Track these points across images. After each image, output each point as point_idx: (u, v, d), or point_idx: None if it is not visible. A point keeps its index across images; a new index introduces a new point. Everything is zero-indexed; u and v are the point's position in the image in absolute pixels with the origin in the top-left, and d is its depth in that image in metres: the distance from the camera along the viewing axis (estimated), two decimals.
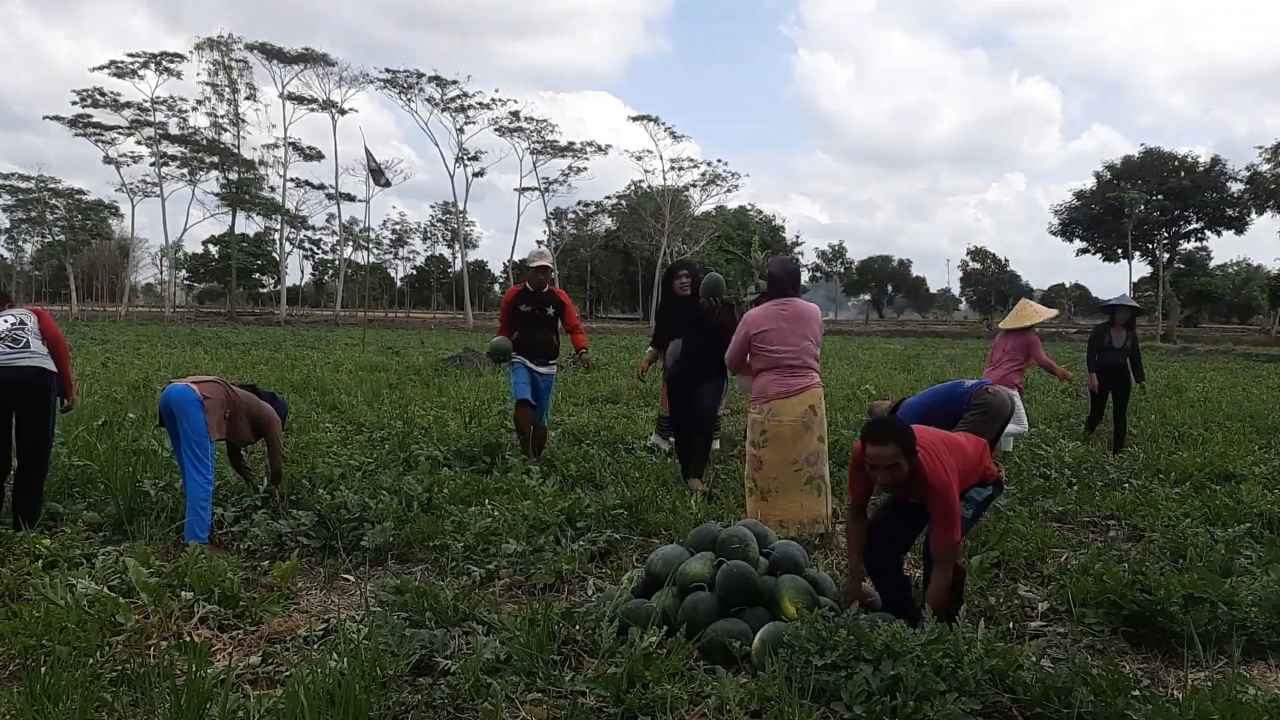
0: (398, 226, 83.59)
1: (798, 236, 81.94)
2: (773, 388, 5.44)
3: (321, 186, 64.25)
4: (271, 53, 56.51)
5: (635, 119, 59.35)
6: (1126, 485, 6.85)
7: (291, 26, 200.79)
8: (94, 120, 56.12)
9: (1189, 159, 54.31)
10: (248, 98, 58.30)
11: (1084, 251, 57.98)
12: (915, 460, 3.60)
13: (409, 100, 57.50)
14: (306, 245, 75.44)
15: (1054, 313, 9.14)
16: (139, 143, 58.18)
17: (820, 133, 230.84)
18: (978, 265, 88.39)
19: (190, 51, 57.24)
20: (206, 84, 57.28)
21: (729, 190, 62.25)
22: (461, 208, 66.14)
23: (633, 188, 65.03)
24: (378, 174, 29.33)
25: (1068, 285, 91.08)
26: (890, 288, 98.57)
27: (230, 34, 57.18)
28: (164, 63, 55.59)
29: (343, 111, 58.70)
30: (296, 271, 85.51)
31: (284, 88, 57.76)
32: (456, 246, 72.49)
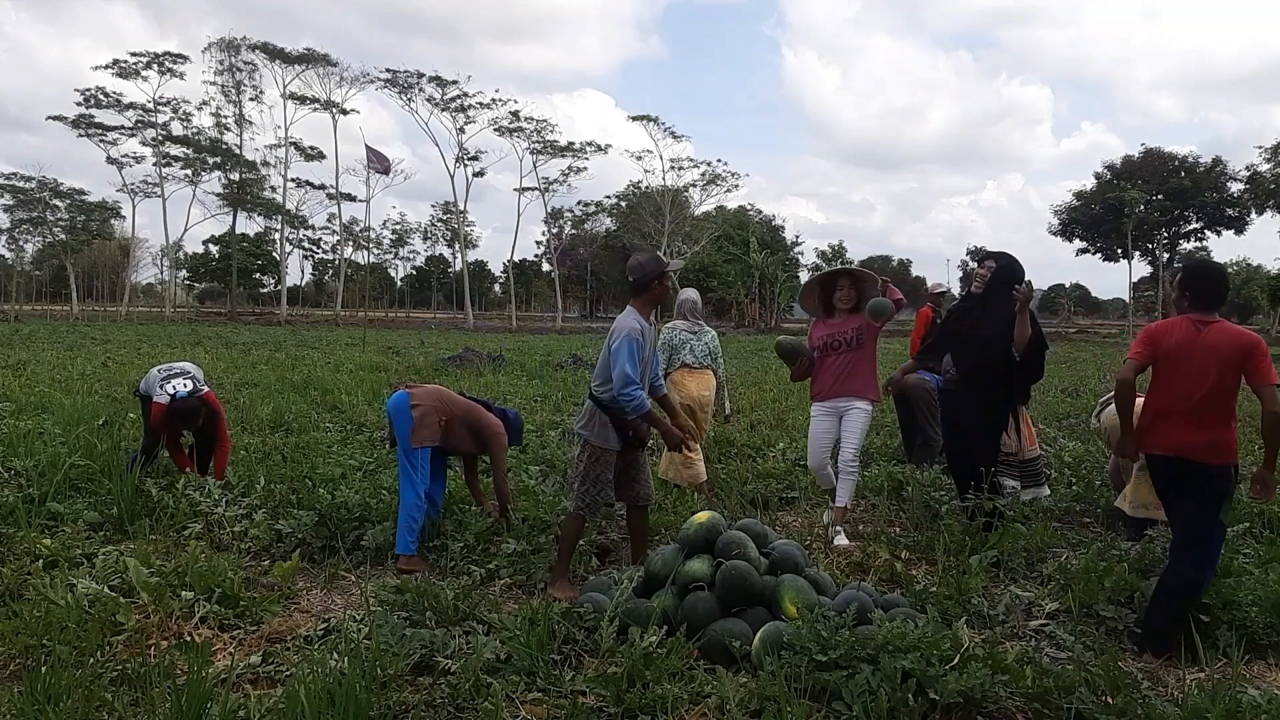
0: (398, 226, 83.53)
1: (797, 236, 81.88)
2: None
3: (322, 186, 64.32)
4: (274, 53, 56.58)
5: (635, 119, 59.19)
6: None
7: (280, 31, 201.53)
8: (96, 121, 56.15)
9: (1189, 159, 54.28)
10: (253, 99, 58.42)
11: (1084, 251, 57.95)
12: None
13: (409, 100, 57.58)
14: (307, 245, 75.46)
15: None
16: (142, 143, 58.27)
17: (814, 135, 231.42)
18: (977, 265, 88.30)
19: (201, 53, 57.46)
20: (212, 83, 57.48)
21: (729, 190, 62.18)
22: (461, 208, 66.26)
23: (632, 188, 64.96)
24: (381, 159, 29.47)
25: (1067, 285, 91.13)
26: None
27: (244, 35, 57.37)
28: (166, 63, 55.66)
29: (344, 112, 58.77)
30: (297, 271, 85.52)
31: (285, 88, 57.86)
32: (456, 246, 72.48)
